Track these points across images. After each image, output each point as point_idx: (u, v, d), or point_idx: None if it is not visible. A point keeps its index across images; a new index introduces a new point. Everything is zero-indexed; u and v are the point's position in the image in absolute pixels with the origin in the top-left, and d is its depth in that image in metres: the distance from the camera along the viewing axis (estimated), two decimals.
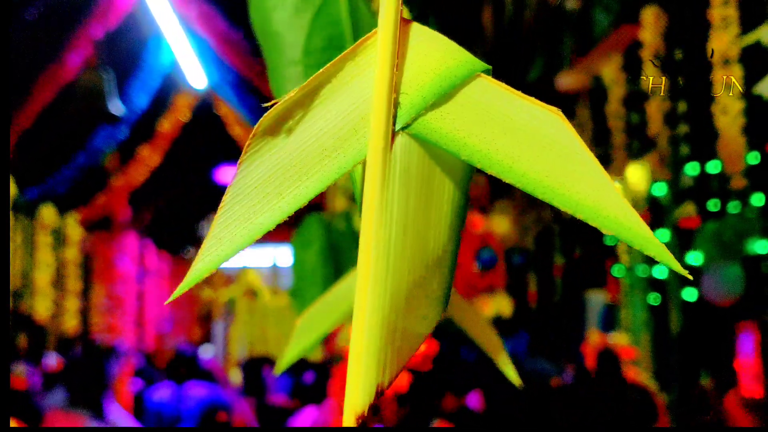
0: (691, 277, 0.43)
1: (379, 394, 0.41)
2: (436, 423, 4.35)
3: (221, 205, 0.45)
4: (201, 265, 0.45)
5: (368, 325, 0.41)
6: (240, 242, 0.46)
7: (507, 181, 0.43)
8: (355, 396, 0.40)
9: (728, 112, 3.17)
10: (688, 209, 3.83)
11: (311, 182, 0.44)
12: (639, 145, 4.54)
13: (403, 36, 0.45)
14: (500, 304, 3.36)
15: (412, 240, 0.44)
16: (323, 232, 1.40)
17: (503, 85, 0.44)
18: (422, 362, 0.74)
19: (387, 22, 0.44)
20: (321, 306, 0.85)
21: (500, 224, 3.36)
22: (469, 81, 0.45)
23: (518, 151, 0.43)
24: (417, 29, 0.46)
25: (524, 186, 0.42)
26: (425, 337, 0.46)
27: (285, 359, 0.88)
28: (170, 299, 0.49)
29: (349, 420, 0.40)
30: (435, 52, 0.45)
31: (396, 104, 0.44)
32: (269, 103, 0.45)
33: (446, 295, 0.47)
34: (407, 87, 0.44)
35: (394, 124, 0.43)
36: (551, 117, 0.43)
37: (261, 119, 0.45)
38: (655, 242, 0.41)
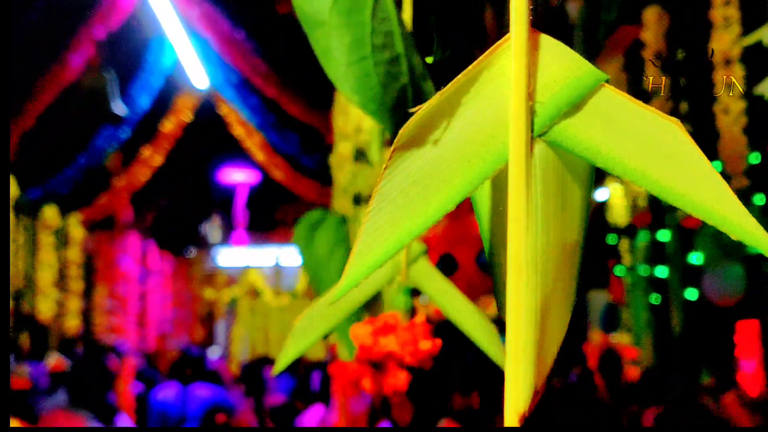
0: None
1: (537, 393, 0.42)
2: (444, 422, 4.35)
3: (367, 211, 0.46)
4: (354, 271, 0.46)
5: (524, 330, 0.43)
6: (389, 247, 0.46)
7: (639, 186, 0.45)
8: (517, 396, 0.42)
9: (729, 112, 3.17)
10: None
11: (455, 187, 0.46)
12: None
13: (532, 45, 0.46)
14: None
15: (553, 241, 0.46)
16: (329, 222, 1.42)
17: (625, 94, 0.46)
18: (425, 360, 0.75)
19: (519, 30, 0.45)
20: (319, 308, 0.86)
21: None
22: (596, 91, 0.46)
23: (646, 157, 0.44)
24: (544, 40, 0.47)
25: (658, 192, 0.44)
26: (564, 333, 0.48)
27: (282, 360, 0.89)
28: (333, 299, 0.49)
29: (512, 420, 0.42)
30: (563, 62, 0.47)
31: (532, 112, 0.45)
32: (413, 109, 0.45)
33: (576, 292, 0.49)
34: (541, 95, 0.45)
35: (531, 130, 0.45)
36: (671, 126, 0.45)
37: (404, 127, 0.46)
38: (762, 236, 0.43)
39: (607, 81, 0.47)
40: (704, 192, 0.43)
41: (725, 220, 0.43)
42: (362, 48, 0.84)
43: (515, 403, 0.42)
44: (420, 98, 0.82)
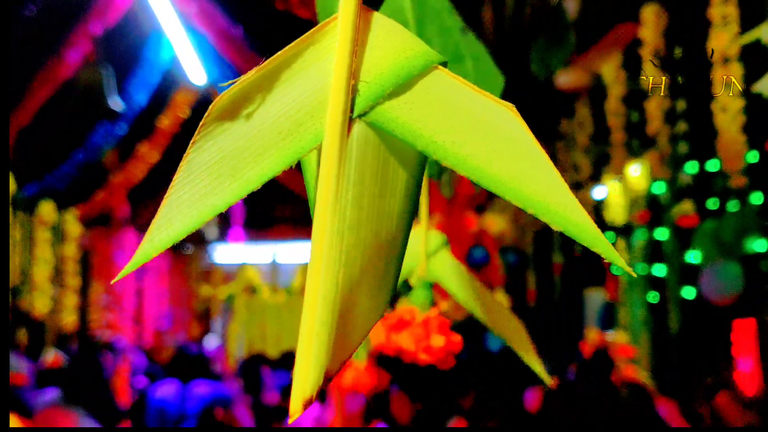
0: (635, 275, 0.44)
1: (328, 379, 0.41)
2: (454, 421, 4.35)
3: (171, 184, 0.44)
4: (149, 246, 0.46)
5: (319, 312, 0.40)
6: (190, 223, 0.45)
7: (460, 173, 0.43)
8: (304, 381, 0.40)
9: (728, 111, 3.17)
10: (686, 207, 3.83)
11: (266, 165, 0.44)
12: (638, 143, 4.54)
13: (363, 24, 0.45)
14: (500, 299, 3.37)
15: (365, 227, 0.44)
16: None
17: (460, 78, 0.44)
18: (445, 359, 0.74)
19: (347, 8, 0.43)
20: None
21: (495, 223, 3.35)
22: (427, 72, 0.44)
23: (473, 144, 0.43)
24: (377, 18, 0.46)
25: (477, 179, 0.42)
26: (374, 324, 0.46)
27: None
28: (116, 279, 0.48)
29: (296, 404, 0.40)
30: (394, 42, 0.45)
31: (354, 91, 0.43)
32: (226, 83, 0.44)
33: (395, 283, 0.47)
34: (366, 75, 0.44)
35: (351, 110, 0.43)
36: (505, 112, 0.43)
37: (216, 100, 0.44)
38: (601, 240, 0.43)
39: (443, 64, 0.45)
40: (534, 182, 0.42)
41: (555, 213, 0.42)
42: None
43: (302, 388, 0.40)
44: None
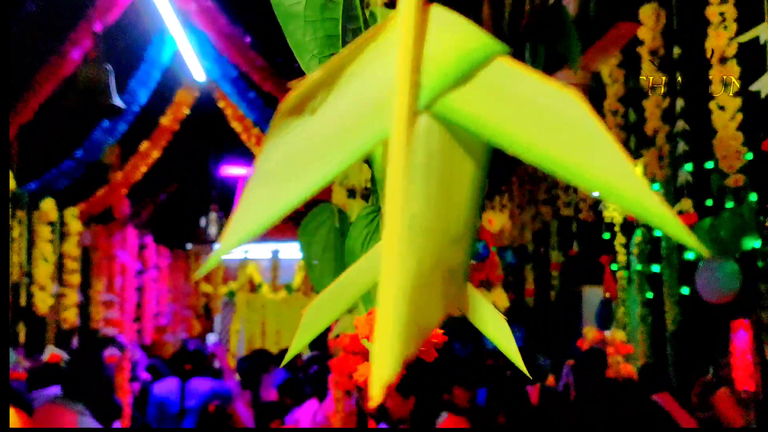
0: (707, 253, 0.45)
1: (406, 365, 0.42)
2: (444, 418, 4.37)
3: (246, 184, 0.46)
4: (227, 243, 0.46)
5: (395, 300, 0.41)
6: (264, 221, 0.46)
7: (527, 162, 0.43)
8: (383, 368, 0.41)
9: (726, 110, 3.18)
10: (685, 206, 3.84)
11: (334, 161, 0.45)
12: (636, 142, 4.56)
13: (423, 17, 0.46)
14: (497, 299, 3.37)
15: (435, 218, 0.44)
16: (330, 216, 1.44)
17: (522, 65, 0.45)
18: (427, 351, 0.75)
19: (409, 1, 0.45)
20: (327, 296, 0.86)
21: (494, 220, 3.36)
22: (489, 62, 0.45)
23: (538, 131, 0.43)
24: (437, 10, 0.46)
25: (544, 166, 0.43)
26: (446, 314, 0.47)
27: (292, 350, 0.89)
28: (199, 274, 0.50)
29: (376, 390, 0.41)
30: (455, 33, 0.46)
31: (418, 84, 0.44)
32: (293, 82, 0.46)
33: (465, 273, 0.48)
34: (429, 67, 0.45)
35: (416, 103, 0.44)
36: (569, 97, 0.43)
37: (284, 99, 0.45)
38: (672, 220, 0.42)
39: (506, 53, 0.45)
40: (602, 167, 0.42)
41: (625, 197, 0.42)
42: (334, 44, 0.85)
43: (381, 375, 0.41)
44: None
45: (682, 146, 3.82)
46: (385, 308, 0.42)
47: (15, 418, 4.02)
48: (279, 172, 0.45)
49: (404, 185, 0.43)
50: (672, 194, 5.72)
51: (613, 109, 4.55)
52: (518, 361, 0.81)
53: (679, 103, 3.82)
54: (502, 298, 3.52)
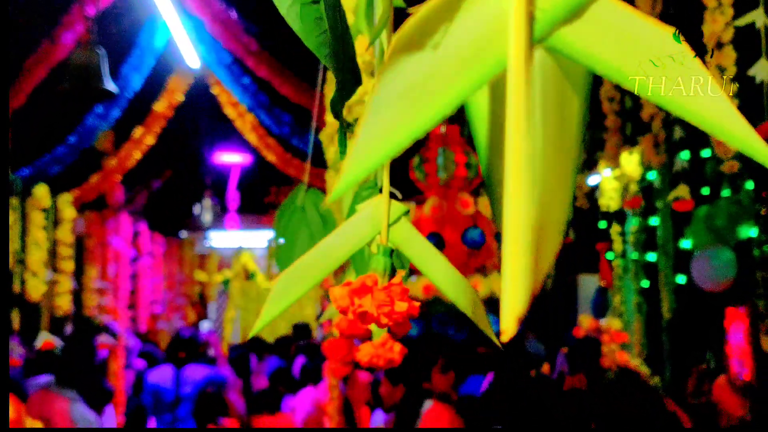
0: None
1: (533, 297, 0.42)
2: (429, 405, 4.37)
3: (361, 118, 0.46)
4: (351, 172, 0.47)
5: (522, 233, 0.42)
6: (387, 151, 0.46)
7: (638, 94, 0.46)
8: (515, 300, 0.41)
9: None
10: (681, 192, 3.83)
11: (452, 92, 0.45)
12: (633, 128, 4.55)
13: None
14: (493, 284, 3.36)
15: (551, 147, 0.46)
16: (305, 196, 1.45)
17: (625, 4, 0.47)
18: (403, 323, 0.75)
19: None
20: (300, 266, 0.85)
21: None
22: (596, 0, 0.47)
23: (643, 65, 0.45)
24: None
25: (654, 98, 0.45)
26: (560, 244, 0.48)
27: (261, 321, 0.89)
28: (329, 200, 0.50)
29: (509, 322, 0.41)
30: None
31: (533, 18, 0.44)
32: (411, 9, 0.46)
33: (571, 201, 0.50)
34: (541, 1, 0.45)
35: (532, 36, 0.44)
36: (669, 36, 0.45)
37: (398, 30, 0.45)
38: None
39: None
40: (702, 101, 0.44)
41: (724, 130, 0.45)
42: None
43: (513, 306, 0.41)
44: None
45: (678, 132, 3.81)
46: (514, 245, 0.42)
47: (10, 405, 4.02)
48: (398, 103, 0.46)
49: (526, 120, 0.42)
50: (668, 181, 5.72)
51: (610, 95, 4.54)
52: (489, 331, 0.82)
53: None
54: (498, 282, 3.50)
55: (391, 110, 0.45)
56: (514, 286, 0.41)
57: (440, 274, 0.85)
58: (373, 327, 1.19)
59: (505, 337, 0.42)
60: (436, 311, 4.07)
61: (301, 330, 10.29)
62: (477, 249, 3.29)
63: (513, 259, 0.41)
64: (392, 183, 0.83)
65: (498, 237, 3.66)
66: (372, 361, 1.29)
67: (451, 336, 3.71)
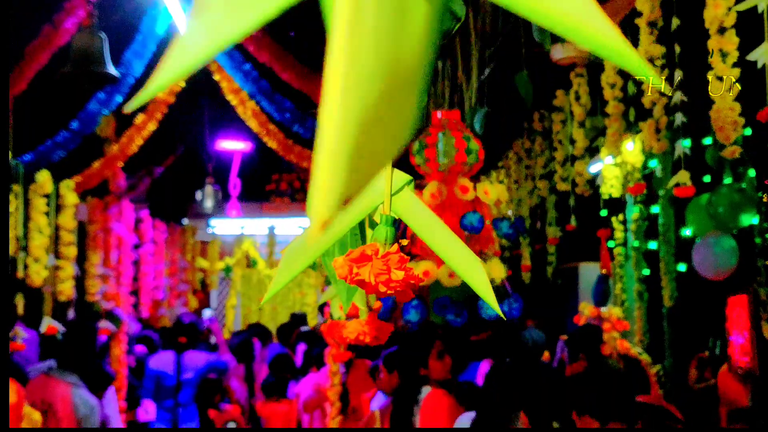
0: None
1: (345, 202, 0.40)
2: (427, 392, 4.38)
3: (191, 11, 0.43)
4: (163, 75, 0.44)
5: (338, 133, 0.39)
6: (206, 53, 0.43)
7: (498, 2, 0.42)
8: (322, 203, 0.39)
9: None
10: (683, 178, 3.83)
11: None
12: (635, 114, 4.54)
13: None
14: (493, 270, 3.36)
15: (385, 51, 0.42)
16: None
17: None
18: (404, 291, 0.74)
19: None
20: (302, 238, 0.85)
21: (491, 191, 3.34)
22: None
23: None
24: None
25: (507, 3, 0.42)
26: (393, 156, 0.46)
27: (271, 290, 0.89)
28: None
29: (314, 226, 0.40)
30: None
31: None
32: None
33: (417, 116, 0.46)
34: None
35: None
36: None
37: None
38: (633, 57, 0.42)
39: None
40: (570, 7, 0.41)
41: (580, 31, 0.41)
42: None
43: (318, 211, 0.39)
44: None
45: (680, 118, 3.80)
46: (326, 143, 0.40)
47: (12, 389, 4.04)
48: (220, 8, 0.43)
49: (355, 12, 0.40)
50: (669, 167, 5.71)
51: (612, 82, 4.53)
52: (492, 301, 0.82)
53: (678, 74, 3.79)
54: (499, 269, 3.50)
55: (216, 6, 0.43)
56: (323, 190, 0.40)
57: (443, 243, 0.85)
58: (360, 305, 1.19)
59: (311, 240, 0.40)
60: (435, 296, 4.07)
61: (299, 319, 10.30)
62: (476, 234, 3.29)
63: (325, 158, 0.40)
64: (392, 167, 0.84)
65: (496, 223, 3.68)
66: (358, 338, 1.30)
67: (450, 321, 3.71)
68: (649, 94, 3.88)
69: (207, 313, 10.31)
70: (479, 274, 0.83)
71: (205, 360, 7.15)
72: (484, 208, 3.39)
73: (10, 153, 5.21)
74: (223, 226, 11.39)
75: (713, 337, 7.06)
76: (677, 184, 3.84)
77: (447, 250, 0.86)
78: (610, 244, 7.68)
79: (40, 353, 5.90)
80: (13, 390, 4.05)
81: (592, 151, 5.81)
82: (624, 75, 4.59)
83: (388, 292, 0.75)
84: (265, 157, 11.20)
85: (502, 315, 0.80)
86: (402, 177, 0.85)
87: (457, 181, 3.26)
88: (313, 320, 10.68)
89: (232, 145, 8.77)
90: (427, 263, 3.59)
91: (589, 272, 8.77)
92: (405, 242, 0.81)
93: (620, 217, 7.53)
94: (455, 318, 3.51)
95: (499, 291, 3.77)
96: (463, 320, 3.49)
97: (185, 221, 10.89)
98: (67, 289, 5.94)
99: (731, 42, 3.13)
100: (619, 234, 7.63)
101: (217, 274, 11.81)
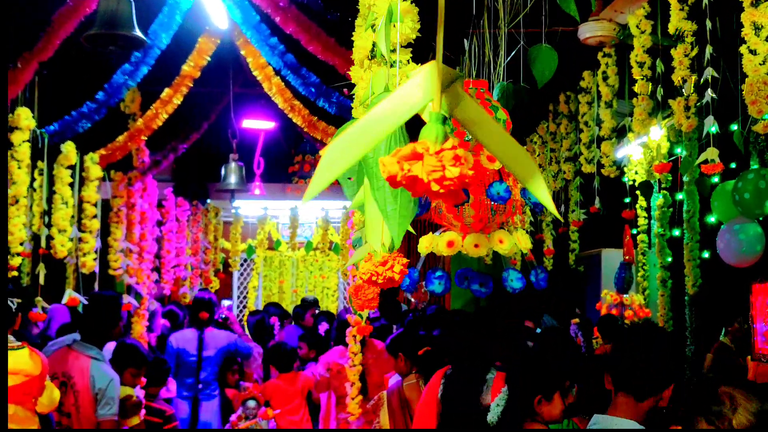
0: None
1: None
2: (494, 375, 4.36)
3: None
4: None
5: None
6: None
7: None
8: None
9: (757, 54, 3.11)
10: (711, 155, 3.78)
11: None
12: (663, 93, 4.48)
13: None
14: (519, 240, 3.30)
15: None
16: None
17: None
18: (457, 192, 0.73)
19: None
20: (350, 134, 0.82)
21: None
22: None
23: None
24: None
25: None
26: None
27: (314, 187, 0.86)
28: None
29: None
30: None
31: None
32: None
33: None
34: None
35: None
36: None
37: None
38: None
39: None
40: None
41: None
42: None
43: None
44: None
45: (709, 95, 3.75)
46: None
47: (34, 359, 4.07)
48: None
49: None
50: (696, 152, 5.64)
51: (641, 60, 4.47)
52: (552, 207, 0.79)
53: (708, 51, 3.73)
54: (525, 239, 3.46)
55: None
56: None
57: (496, 141, 0.82)
58: (377, 246, 1.17)
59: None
60: (457, 268, 4.05)
61: (310, 304, 10.30)
62: (502, 204, 3.25)
63: None
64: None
65: (524, 192, 3.64)
66: (371, 279, 1.28)
67: (474, 292, 3.68)
68: (679, 71, 3.83)
69: (225, 303, 10.35)
70: (533, 173, 0.80)
71: (226, 339, 7.19)
72: (510, 178, 3.35)
73: (34, 121, 5.24)
74: (246, 207, 11.40)
75: (736, 322, 7.02)
76: (705, 161, 3.79)
77: (499, 148, 0.83)
78: (634, 231, 7.64)
79: (63, 325, 5.95)
80: (37, 361, 4.08)
81: (619, 135, 5.75)
82: (653, 53, 4.54)
83: (441, 191, 0.72)
84: (289, 139, 11.21)
85: (559, 217, 0.78)
86: (451, 72, 0.83)
87: (483, 150, 3.23)
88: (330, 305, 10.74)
89: (256, 124, 8.76)
90: (452, 234, 3.57)
91: (611, 259, 8.73)
92: (456, 140, 0.78)
93: (644, 203, 7.48)
94: (480, 288, 3.48)
95: (526, 262, 3.74)
96: (489, 291, 3.46)
97: (208, 201, 10.91)
98: (89, 262, 5.96)
99: (766, 15, 3.08)
100: (642, 221, 7.57)
101: (239, 255, 11.84)
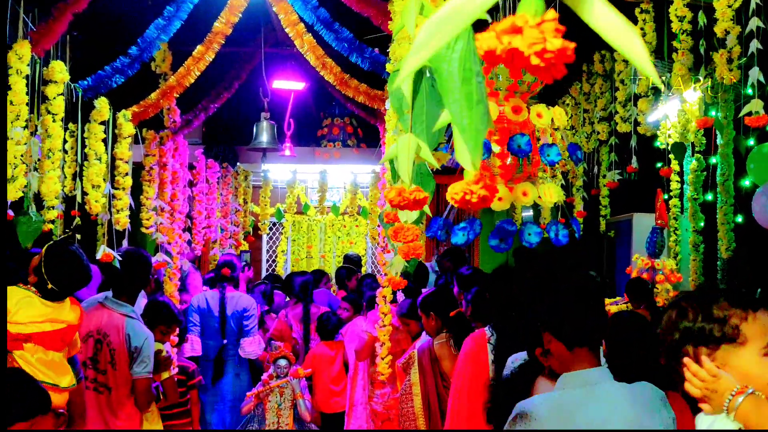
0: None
1: None
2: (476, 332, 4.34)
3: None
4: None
5: None
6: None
7: None
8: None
9: None
10: (755, 106, 3.70)
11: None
12: (706, 46, 4.39)
13: None
14: (548, 192, 3.22)
15: None
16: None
17: None
18: (557, 65, 0.71)
19: None
20: (443, 14, 0.79)
21: (545, 113, 3.19)
22: None
23: None
24: None
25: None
26: None
27: (406, 68, 0.84)
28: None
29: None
30: None
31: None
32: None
33: None
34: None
35: None
36: None
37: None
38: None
39: None
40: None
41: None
42: None
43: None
44: None
45: (755, 45, 3.66)
46: None
47: (74, 309, 4.12)
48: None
49: None
50: (731, 114, 5.55)
51: (681, 15, 4.38)
52: (649, 68, 0.75)
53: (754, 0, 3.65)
54: (555, 192, 3.38)
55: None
56: None
57: (595, 12, 0.78)
58: (469, 164, 1.13)
59: None
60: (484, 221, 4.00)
61: (354, 261, 10.35)
62: (523, 157, 3.19)
63: None
64: None
65: (543, 148, 3.58)
66: (464, 198, 1.25)
67: (493, 248, 3.60)
68: (722, 22, 3.75)
69: (258, 257, 10.40)
70: (636, 46, 0.77)
71: (250, 301, 7.29)
72: (531, 130, 3.28)
73: (68, 74, 5.24)
74: (275, 171, 11.42)
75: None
76: (749, 113, 3.72)
77: (601, 21, 0.79)
78: (666, 195, 7.57)
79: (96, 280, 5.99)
80: (77, 311, 4.13)
81: (656, 92, 5.66)
82: (694, 8, 4.45)
83: (541, 64, 0.68)
84: (318, 102, 11.17)
85: (660, 84, 0.75)
86: None
87: (508, 102, 3.17)
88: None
89: (286, 85, 8.72)
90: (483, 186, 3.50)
91: (643, 223, 8.65)
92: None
93: (676, 167, 7.39)
94: (499, 244, 3.42)
95: (554, 215, 3.69)
96: (508, 247, 3.40)
97: (238, 164, 10.94)
98: (122, 219, 6.00)
99: None
100: (675, 185, 7.49)
101: (268, 219, 11.88)
